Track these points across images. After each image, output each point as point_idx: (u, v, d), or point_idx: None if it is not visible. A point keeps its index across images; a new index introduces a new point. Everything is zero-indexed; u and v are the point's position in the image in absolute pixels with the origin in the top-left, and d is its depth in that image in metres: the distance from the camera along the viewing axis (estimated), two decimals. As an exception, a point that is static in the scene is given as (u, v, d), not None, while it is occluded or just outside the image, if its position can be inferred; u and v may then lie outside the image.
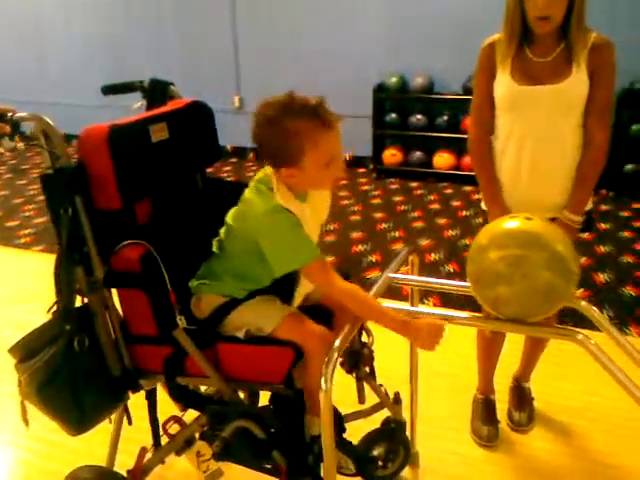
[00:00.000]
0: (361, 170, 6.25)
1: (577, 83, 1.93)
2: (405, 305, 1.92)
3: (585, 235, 4.14)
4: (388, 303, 1.65)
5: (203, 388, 2.00)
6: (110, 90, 2.08)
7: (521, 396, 2.52)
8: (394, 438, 2.00)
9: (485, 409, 2.44)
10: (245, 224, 1.65)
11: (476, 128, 2.14)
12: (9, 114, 1.60)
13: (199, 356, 1.66)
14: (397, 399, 2.04)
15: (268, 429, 1.67)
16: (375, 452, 2.00)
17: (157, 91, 2.00)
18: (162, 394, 1.89)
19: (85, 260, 1.62)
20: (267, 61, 6.37)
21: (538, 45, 1.97)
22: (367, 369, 1.93)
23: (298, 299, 1.76)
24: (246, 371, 1.70)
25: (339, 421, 1.77)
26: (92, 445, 2.14)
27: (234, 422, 1.68)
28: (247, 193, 1.66)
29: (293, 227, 1.57)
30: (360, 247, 4.35)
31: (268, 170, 1.64)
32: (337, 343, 1.46)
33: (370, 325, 1.86)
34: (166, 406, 1.91)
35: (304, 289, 1.75)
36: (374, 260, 4.11)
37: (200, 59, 6.73)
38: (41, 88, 7.69)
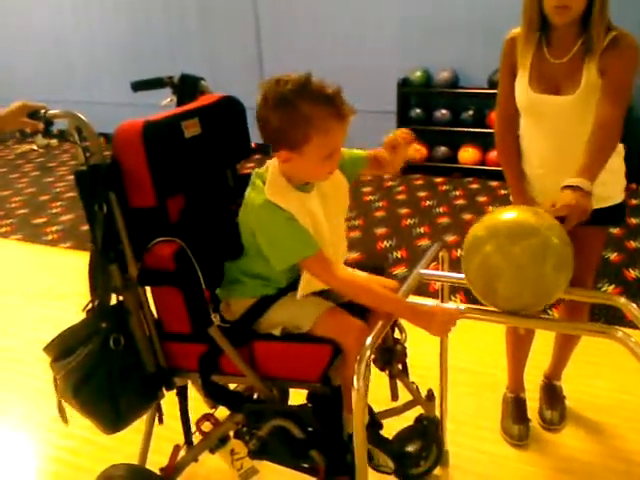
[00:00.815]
0: (385, 166, 6.20)
1: (589, 92, 1.87)
2: (435, 302, 1.90)
3: (615, 230, 4.10)
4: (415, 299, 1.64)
5: (232, 386, 1.99)
6: (140, 86, 2.08)
7: (552, 394, 2.48)
8: (427, 436, 1.97)
9: (515, 407, 2.41)
10: (245, 220, 1.64)
11: (501, 122, 2.13)
12: (42, 111, 1.61)
13: (234, 354, 1.65)
14: (430, 396, 2.02)
15: (306, 428, 1.65)
16: (408, 450, 1.98)
17: (187, 86, 1.99)
18: (191, 391, 1.89)
19: (120, 258, 1.62)
20: (290, 58, 6.33)
21: (556, 44, 1.92)
22: (400, 366, 1.91)
23: (304, 288, 1.67)
24: (282, 369, 1.69)
25: (373, 418, 1.76)
26: (122, 442, 2.15)
27: (272, 421, 1.66)
28: (248, 188, 1.64)
29: (285, 222, 1.53)
30: (385, 243, 4.33)
31: (270, 163, 1.61)
32: (369, 341, 1.44)
33: (402, 322, 1.84)
34: (195, 403, 1.91)
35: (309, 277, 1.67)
36: (399, 256, 4.08)
37: (223, 56, 6.73)
38: (62, 86, 7.76)
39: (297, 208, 1.55)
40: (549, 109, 1.96)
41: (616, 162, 2.01)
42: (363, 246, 4.28)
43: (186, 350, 1.73)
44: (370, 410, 1.76)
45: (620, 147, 2.01)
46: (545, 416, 2.42)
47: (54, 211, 5.35)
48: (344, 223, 1.78)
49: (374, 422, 1.75)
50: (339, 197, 1.72)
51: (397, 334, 1.88)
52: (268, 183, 1.56)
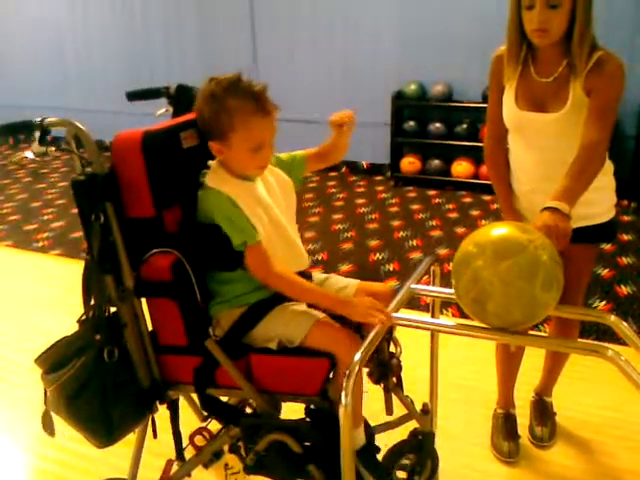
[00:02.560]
0: (378, 178, 6.23)
1: (575, 110, 1.86)
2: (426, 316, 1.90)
3: (607, 246, 4.11)
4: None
5: (224, 399, 1.97)
6: (135, 96, 2.07)
7: (543, 411, 2.47)
8: (421, 450, 1.96)
9: (505, 424, 2.40)
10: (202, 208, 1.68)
11: (490, 138, 2.14)
12: (37, 120, 1.58)
13: (232, 367, 1.64)
14: (425, 410, 2.01)
15: (303, 442, 1.63)
16: (402, 463, 1.97)
17: (183, 97, 1.99)
18: (182, 404, 1.87)
19: (115, 269, 1.60)
20: (286, 69, 6.34)
21: (541, 62, 1.92)
22: (394, 380, 1.89)
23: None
24: (280, 383, 1.68)
25: (371, 440, 1.74)
26: (110, 455, 2.08)
27: (269, 435, 1.64)
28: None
29: (228, 205, 1.61)
30: (377, 255, 4.33)
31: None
32: (358, 356, 1.42)
33: (397, 336, 1.84)
34: (186, 417, 1.89)
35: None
36: (391, 269, 4.08)
37: (219, 66, 6.73)
38: (58, 93, 7.75)
39: (241, 194, 1.63)
40: (535, 126, 1.96)
41: (604, 180, 2.00)
42: (355, 258, 4.28)
43: (181, 363, 1.71)
44: (369, 432, 1.74)
45: (608, 164, 2.00)
46: (535, 433, 2.41)
47: (45, 218, 5.32)
48: (297, 233, 1.81)
49: (371, 445, 1.73)
50: (287, 196, 1.79)
51: (392, 348, 1.86)
52: (208, 174, 1.68)
